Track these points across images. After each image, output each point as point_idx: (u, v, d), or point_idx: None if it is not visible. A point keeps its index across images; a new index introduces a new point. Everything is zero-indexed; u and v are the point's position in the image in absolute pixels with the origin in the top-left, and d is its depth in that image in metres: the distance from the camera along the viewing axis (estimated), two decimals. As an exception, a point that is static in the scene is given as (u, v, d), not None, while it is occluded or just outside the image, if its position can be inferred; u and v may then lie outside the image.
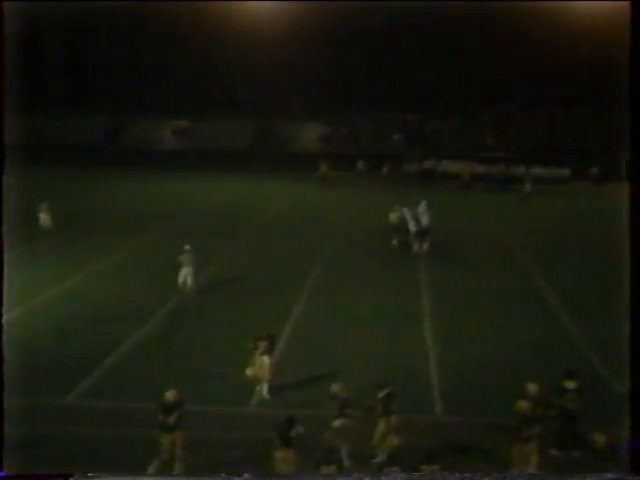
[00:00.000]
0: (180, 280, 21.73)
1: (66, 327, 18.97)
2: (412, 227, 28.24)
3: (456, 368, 16.68)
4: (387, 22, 50.66)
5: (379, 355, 17.49)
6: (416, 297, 22.30)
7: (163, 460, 12.01)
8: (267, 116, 54.35)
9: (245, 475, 8.84)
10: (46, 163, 40.96)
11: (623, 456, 11.71)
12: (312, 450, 11.36)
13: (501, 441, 12.67)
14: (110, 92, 53.37)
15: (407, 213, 28.60)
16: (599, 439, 11.58)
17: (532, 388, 12.76)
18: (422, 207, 29.00)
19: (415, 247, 27.99)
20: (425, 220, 28.35)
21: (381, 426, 12.61)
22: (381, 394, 12.67)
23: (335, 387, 12.92)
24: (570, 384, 13.23)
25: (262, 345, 14.92)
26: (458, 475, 11.51)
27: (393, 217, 28.90)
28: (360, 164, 48.37)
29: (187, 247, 21.99)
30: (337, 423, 12.52)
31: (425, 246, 27.98)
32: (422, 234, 28.05)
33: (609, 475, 9.76)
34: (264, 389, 15.00)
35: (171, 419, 12.01)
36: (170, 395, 12.26)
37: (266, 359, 14.89)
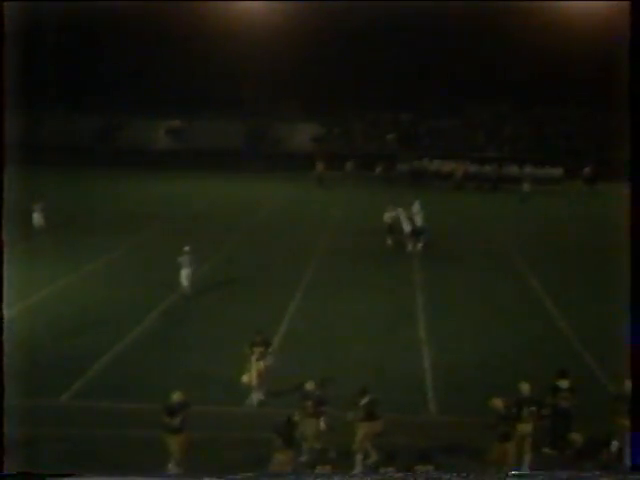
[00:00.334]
0: (183, 282, 21.64)
1: (60, 328, 18.98)
2: (406, 227, 28.34)
3: (450, 368, 16.74)
4: (381, 23, 50.70)
5: (373, 355, 17.55)
6: (410, 297, 22.35)
7: (177, 462, 12.00)
8: (261, 116, 54.37)
9: (245, 475, 8.89)
10: (40, 163, 40.79)
11: (601, 455, 11.85)
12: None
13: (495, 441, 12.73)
14: (104, 92, 53.31)
15: (401, 213, 28.71)
16: (577, 439, 11.70)
17: (525, 388, 12.83)
18: (416, 207, 29.14)
19: (409, 247, 28.06)
20: (419, 220, 28.47)
21: (362, 431, 12.50)
22: (363, 400, 12.57)
23: (309, 385, 12.93)
24: (563, 383, 13.31)
25: (257, 351, 14.84)
26: (453, 475, 11.60)
27: (387, 217, 28.98)
28: (349, 165, 48.38)
29: (187, 248, 21.83)
30: (309, 421, 12.58)
31: (419, 246, 28.06)
32: (416, 234, 28.13)
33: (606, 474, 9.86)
34: (260, 395, 14.93)
35: (176, 421, 11.98)
36: (176, 397, 12.20)
37: (261, 365, 14.80)
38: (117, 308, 20.71)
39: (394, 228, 28.69)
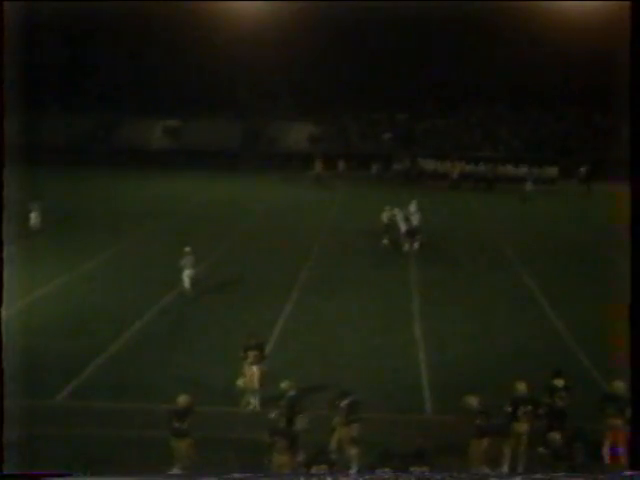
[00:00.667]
0: (185, 284, 21.61)
1: (57, 327, 19.01)
2: (403, 227, 28.40)
3: (446, 368, 16.80)
4: (377, 22, 50.77)
5: (369, 354, 17.60)
6: (406, 297, 22.40)
7: (184, 465, 11.97)
8: (257, 116, 54.39)
9: (245, 475, 8.92)
10: (37, 162, 40.76)
11: (576, 455, 11.92)
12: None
13: (491, 441, 12.78)
14: (101, 92, 53.31)
15: (398, 213, 28.78)
16: (556, 438, 11.77)
17: (521, 387, 12.89)
18: (413, 207, 29.21)
19: (406, 247, 28.11)
20: (416, 220, 28.52)
21: (340, 433, 12.46)
22: (343, 403, 12.54)
23: (284, 384, 12.97)
24: (558, 382, 13.37)
25: (252, 355, 14.65)
26: (448, 475, 11.65)
27: (384, 217, 29.02)
28: (341, 164, 48.40)
29: (188, 249, 21.78)
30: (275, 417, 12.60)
31: (416, 246, 28.10)
32: (413, 234, 28.18)
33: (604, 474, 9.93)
34: (255, 400, 14.79)
35: (186, 425, 11.93)
36: (183, 400, 12.16)
37: (256, 369, 14.58)
38: (114, 308, 20.72)
39: (391, 228, 28.75)
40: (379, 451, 12.70)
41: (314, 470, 10.36)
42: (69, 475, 8.85)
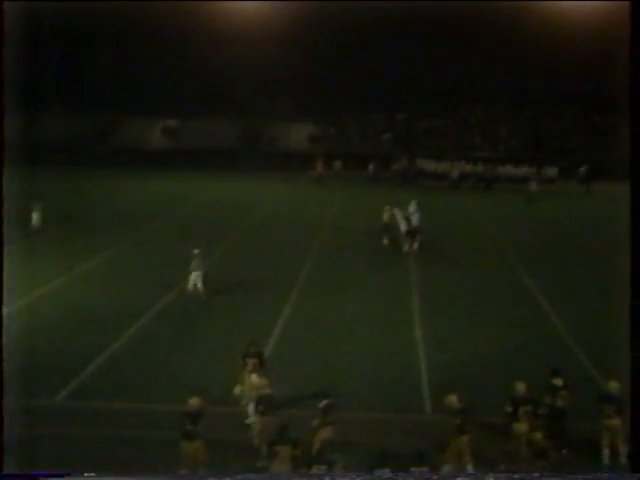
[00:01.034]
0: (189, 285, 21.36)
1: (57, 327, 19.00)
2: (403, 227, 28.40)
3: (446, 368, 16.80)
4: (377, 23, 50.75)
5: (369, 354, 17.59)
6: (406, 296, 22.40)
7: (191, 468, 11.87)
8: (257, 116, 54.39)
9: (245, 475, 8.93)
10: (37, 162, 40.72)
11: (554, 455, 11.94)
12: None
13: (490, 440, 12.80)
14: (100, 92, 53.27)
15: (398, 213, 28.78)
16: (537, 438, 11.79)
17: (521, 387, 12.89)
18: (413, 207, 29.19)
19: (405, 247, 28.11)
20: (415, 220, 28.51)
21: (319, 435, 12.31)
22: (321, 404, 12.49)
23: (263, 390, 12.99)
24: (557, 382, 13.36)
25: (250, 362, 14.35)
26: (447, 475, 11.67)
27: (384, 217, 29.01)
28: (337, 164, 48.37)
29: (197, 251, 21.48)
30: (252, 420, 12.70)
31: (415, 245, 28.10)
32: (412, 234, 28.17)
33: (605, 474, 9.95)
34: (251, 408, 14.29)
35: (199, 427, 11.79)
36: (195, 402, 12.03)
37: (254, 378, 14.07)
38: (114, 308, 20.70)
39: (390, 228, 28.75)
40: (379, 451, 12.68)
41: (314, 470, 10.39)
42: (69, 475, 8.84)
